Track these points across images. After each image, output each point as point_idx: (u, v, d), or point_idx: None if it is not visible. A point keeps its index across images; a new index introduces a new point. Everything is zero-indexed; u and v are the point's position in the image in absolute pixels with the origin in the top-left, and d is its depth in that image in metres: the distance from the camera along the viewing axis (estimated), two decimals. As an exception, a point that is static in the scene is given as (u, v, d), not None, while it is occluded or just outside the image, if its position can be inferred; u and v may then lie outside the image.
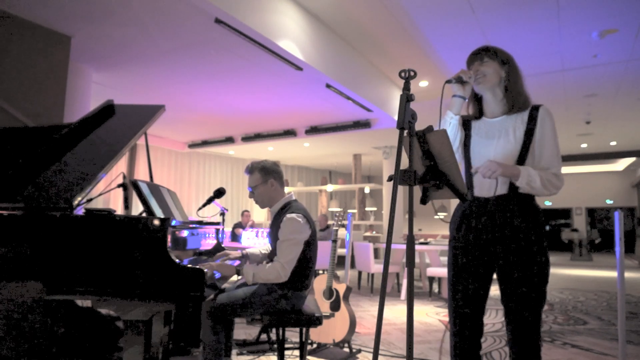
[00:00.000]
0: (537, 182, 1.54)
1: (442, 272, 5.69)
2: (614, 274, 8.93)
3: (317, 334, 3.21)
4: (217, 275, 2.13)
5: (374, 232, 9.63)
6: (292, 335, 3.62)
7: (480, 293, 1.65)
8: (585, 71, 5.46)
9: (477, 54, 1.71)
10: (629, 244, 13.13)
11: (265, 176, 2.35)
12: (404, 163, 1.19)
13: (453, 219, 1.75)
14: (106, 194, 7.06)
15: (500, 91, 1.70)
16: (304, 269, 2.26)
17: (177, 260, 1.74)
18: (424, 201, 1.53)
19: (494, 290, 1.62)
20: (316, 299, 3.19)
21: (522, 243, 1.57)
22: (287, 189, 2.50)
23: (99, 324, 2.43)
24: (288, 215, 2.23)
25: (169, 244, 1.76)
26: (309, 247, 2.27)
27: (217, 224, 2.80)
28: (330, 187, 10.33)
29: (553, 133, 1.63)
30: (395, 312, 4.88)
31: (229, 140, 8.76)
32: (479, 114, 1.76)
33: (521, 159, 1.62)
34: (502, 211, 1.61)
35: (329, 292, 3.23)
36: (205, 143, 9.19)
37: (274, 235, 2.30)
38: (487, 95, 1.72)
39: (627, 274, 8.41)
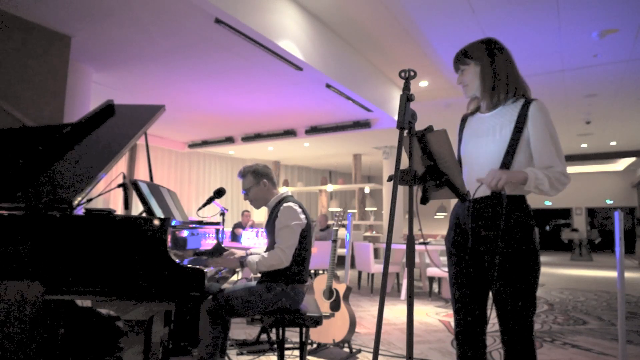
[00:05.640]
0: (545, 185, 1.47)
1: (442, 272, 5.69)
2: (614, 274, 8.93)
3: (317, 334, 3.21)
4: (219, 274, 2.14)
5: (374, 232, 9.63)
6: (292, 335, 3.62)
7: (476, 294, 1.62)
8: (585, 71, 5.46)
9: (455, 66, 1.69)
10: (629, 244, 13.13)
11: (258, 177, 2.47)
12: (404, 163, 1.19)
13: (450, 218, 1.74)
14: (106, 194, 7.06)
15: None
16: (300, 259, 2.32)
17: (177, 260, 1.74)
18: (424, 201, 1.53)
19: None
20: (316, 299, 3.18)
21: (507, 245, 1.51)
22: (287, 189, 2.59)
23: (99, 324, 2.43)
24: (285, 204, 2.34)
25: (169, 243, 1.76)
26: (304, 237, 2.34)
27: (217, 224, 2.81)
28: (330, 187, 10.33)
29: (547, 129, 1.52)
30: (395, 312, 4.88)
31: (229, 140, 8.76)
32: (476, 109, 1.73)
33: (506, 160, 1.54)
34: (488, 212, 1.55)
35: (329, 292, 3.23)
36: (205, 143, 9.19)
37: (270, 228, 2.36)
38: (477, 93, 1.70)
39: (627, 274, 8.42)
